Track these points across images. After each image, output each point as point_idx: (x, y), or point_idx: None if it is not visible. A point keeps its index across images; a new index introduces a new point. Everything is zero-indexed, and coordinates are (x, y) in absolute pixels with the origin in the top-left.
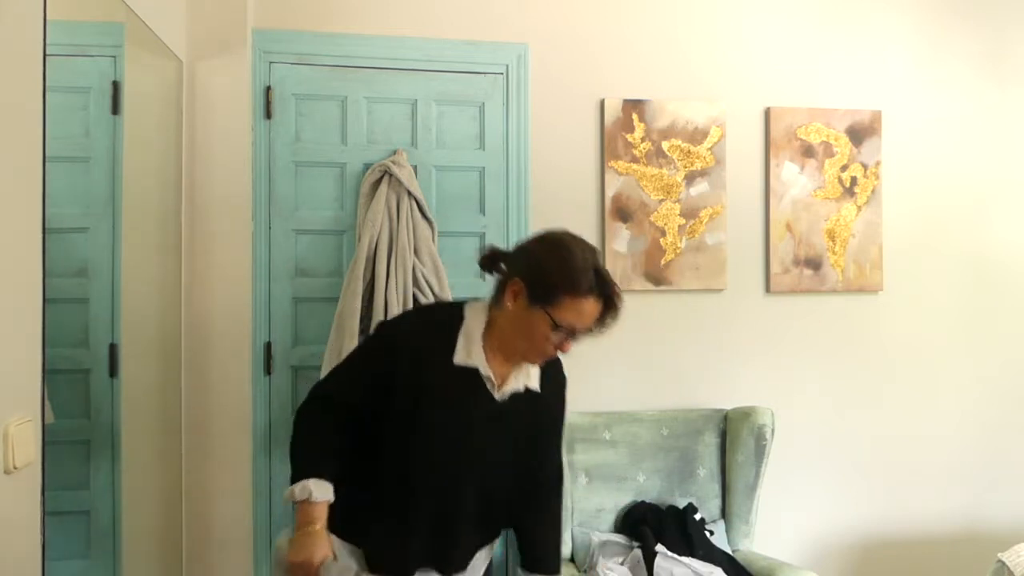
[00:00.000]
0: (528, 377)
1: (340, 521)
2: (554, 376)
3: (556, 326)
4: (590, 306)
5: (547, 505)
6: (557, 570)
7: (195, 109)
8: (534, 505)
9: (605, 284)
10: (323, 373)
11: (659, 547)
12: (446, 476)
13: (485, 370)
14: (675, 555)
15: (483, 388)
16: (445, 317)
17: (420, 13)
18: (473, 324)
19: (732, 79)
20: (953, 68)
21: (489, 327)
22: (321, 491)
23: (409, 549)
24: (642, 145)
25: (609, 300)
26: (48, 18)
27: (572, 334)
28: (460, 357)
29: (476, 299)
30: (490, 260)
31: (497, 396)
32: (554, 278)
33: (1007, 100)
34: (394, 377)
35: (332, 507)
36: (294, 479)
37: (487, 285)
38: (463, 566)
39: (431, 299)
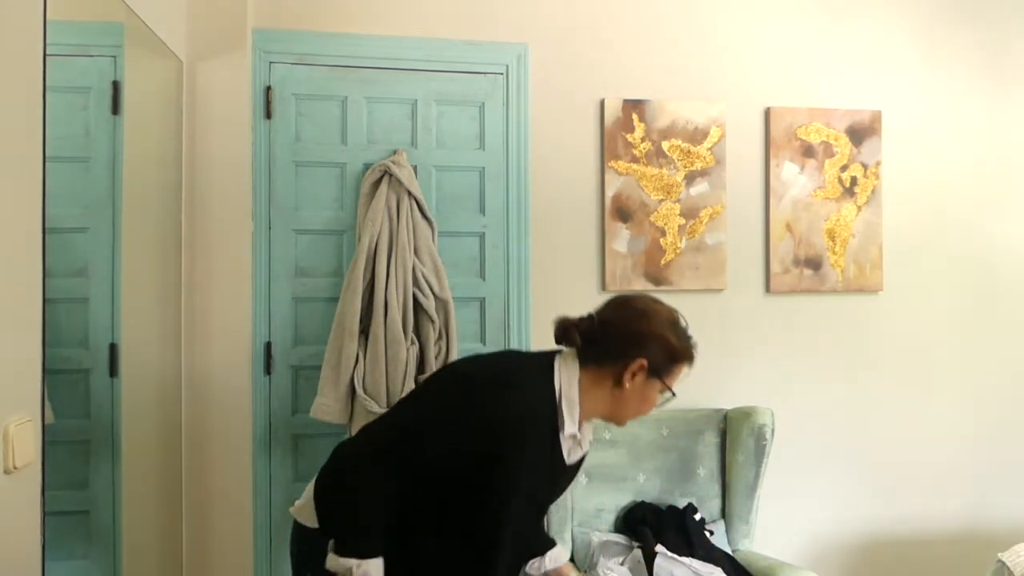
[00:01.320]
0: (588, 442)
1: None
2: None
3: (664, 393)
4: (686, 372)
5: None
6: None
7: (195, 109)
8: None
9: (694, 345)
10: (324, 372)
11: (659, 547)
12: (508, 530)
13: (581, 436)
14: (675, 555)
15: (560, 452)
16: (543, 393)
17: (420, 13)
18: (570, 390)
19: (732, 79)
20: (953, 68)
21: (580, 389)
22: (377, 572)
23: None
24: (642, 145)
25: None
26: (48, 18)
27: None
28: (569, 429)
29: (559, 351)
30: (565, 332)
31: (570, 459)
32: (678, 354)
33: (1007, 100)
34: (497, 459)
35: None
36: (349, 552)
37: (488, 285)
38: None
39: (431, 299)
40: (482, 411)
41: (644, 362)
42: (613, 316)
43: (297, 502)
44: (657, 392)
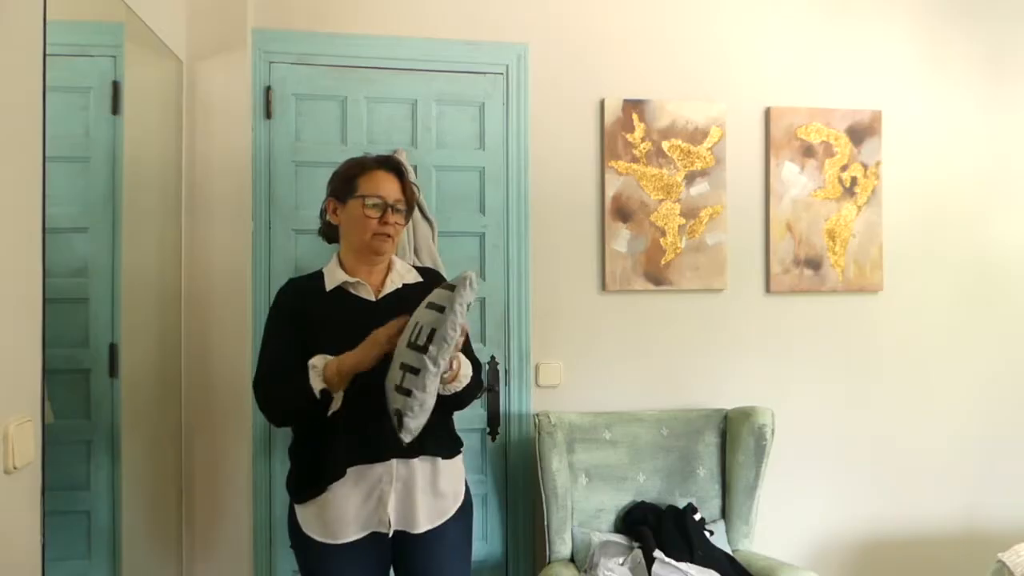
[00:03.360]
0: (403, 277)
1: (298, 486)
2: (437, 277)
3: (367, 203)
4: (382, 177)
5: None
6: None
7: (195, 109)
8: None
9: (386, 157)
10: None
11: (657, 553)
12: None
13: (351, 278)
14: (672, 561)
15: (361, 299)
16: (307, 276)
17: (420, 13)
18: (330, 263)
19: (732, 79)
20: (953, 68)
21: (341, 258)
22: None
23: (343, 448)
24: (642, 145)
25: (395, 167)
26: (48, 18)
27: (385, 205)
28: (328, 283)
29: None
30: (324, 226)
31: (375, 298)
32: (344, 173)
33: (1007, 99)
34: (300, 329)
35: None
36: (303, 384)
37: (488, 285)
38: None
39: None
40: (272, 306)
41: (330, 198)
42: None
43: None
44: (362, 207)
